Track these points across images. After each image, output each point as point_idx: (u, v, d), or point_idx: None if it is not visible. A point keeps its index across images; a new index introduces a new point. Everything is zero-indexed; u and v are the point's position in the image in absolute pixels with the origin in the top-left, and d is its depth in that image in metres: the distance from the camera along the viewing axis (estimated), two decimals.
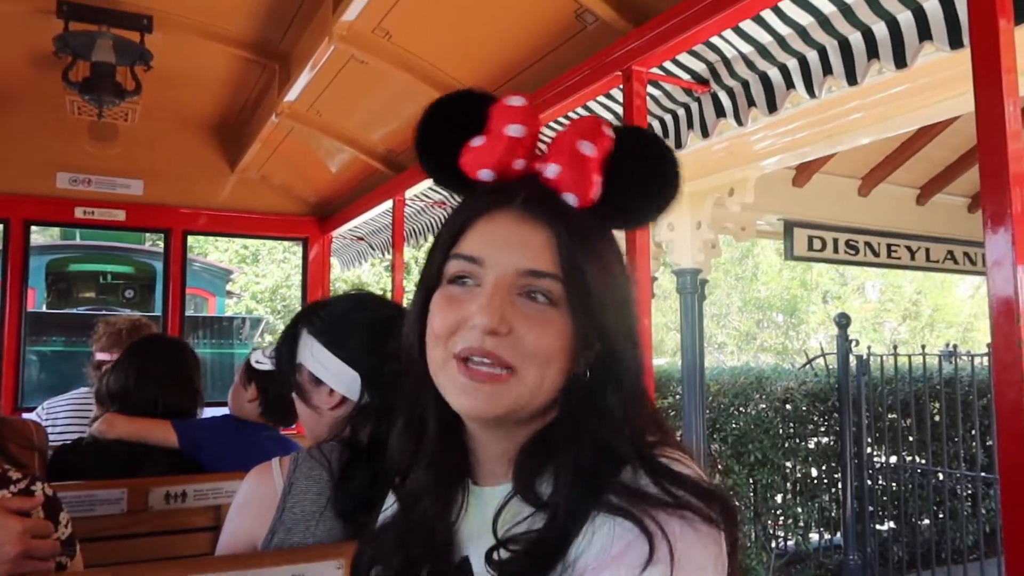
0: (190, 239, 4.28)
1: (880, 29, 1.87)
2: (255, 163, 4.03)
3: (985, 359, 5.80)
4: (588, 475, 0.71)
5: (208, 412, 2.61)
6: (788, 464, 6.04)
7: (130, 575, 1.43)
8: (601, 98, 2.50)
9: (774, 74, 2.17)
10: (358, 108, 3.37)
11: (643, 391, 0.81)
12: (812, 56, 2.05)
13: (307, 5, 2.68)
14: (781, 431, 6.01)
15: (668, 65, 2.27)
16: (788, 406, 6.06)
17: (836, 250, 5.60)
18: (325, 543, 1.29)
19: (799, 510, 5.99)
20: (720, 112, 2.33)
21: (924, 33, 1.77)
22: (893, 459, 5.97)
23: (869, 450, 5.99)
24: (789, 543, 6.06)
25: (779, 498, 6.02)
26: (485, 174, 0.79)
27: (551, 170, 0.76)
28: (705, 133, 2.39)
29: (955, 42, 1.70)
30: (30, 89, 3.43)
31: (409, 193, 3.60)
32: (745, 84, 2.24)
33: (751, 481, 5.81)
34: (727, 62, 2.22)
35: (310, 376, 1.40)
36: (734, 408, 6.06)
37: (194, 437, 2.25)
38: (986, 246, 1.28)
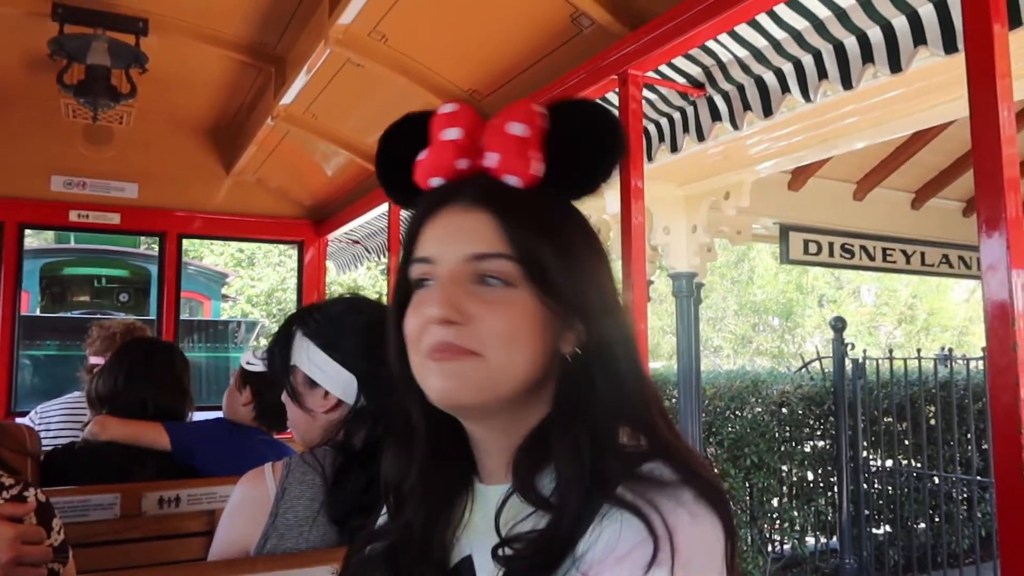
0: (185, 242, 4.27)
1: (875, 34, 1.87)
2: (251, 166, 4.02)
3: (980, 363, 5.82)
4: (589, 471, 0.70)
5: (204, 416, 2.61)
6: (784, 468, 6.05)
7: None
8: (597, 101, 2.50)
9: (769, 78, 2.17)
10: (354, 111, 3.37)
11: (644, 381, 0.79)
12: (807, 60, 2.06)
13: (303, 8, 2.68)
14: (777, 435, 6.01)
15: (664, 69, 2.27)
16: (784, 410, 6.07)
17: (832, 254, 5.61)
18: (319, 548, 1.28)
19: (795, 514, 5.99)
20: (716, 116, 2.33)
21: (919, 38, 1.77)
22: (889, 463, 5.97)
23: (865, 454, 6.00)
24: (785, 547, 6.06)
25: (775, 502, 6.02)
26: (435, 182, 0.80)
27: (489, 159, 0.77)
28: (701, 137, 2.40)
29: (950, 47, 1.71)
30: (25, 92, 3.42)
31: None
32: (740, 88, 2.25)
33: (747, 485, 5.81)
34: (723, 66, 2.23)
35: (305, 378, 1.39)
36: (730, 412, 6.06)
37: (186, 439, 2.24)
38: (981, 250, 1.29)
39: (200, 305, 11.45)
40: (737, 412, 6.07)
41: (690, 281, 4.79)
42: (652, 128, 2.56)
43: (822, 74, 2.02)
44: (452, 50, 2.69)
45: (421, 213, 0.80)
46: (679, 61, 2.24)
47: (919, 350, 6.00)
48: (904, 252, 6.00)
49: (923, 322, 19.44)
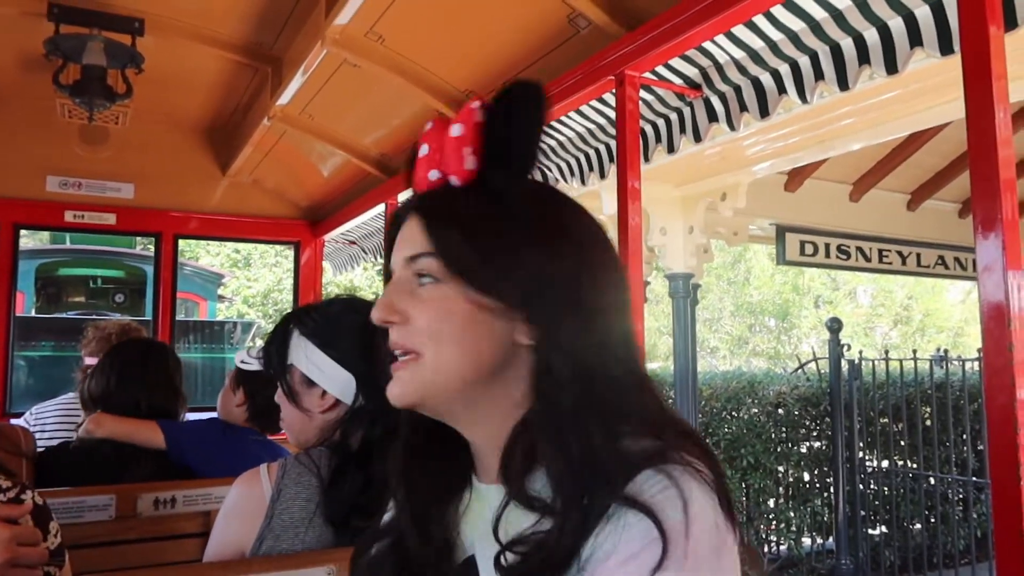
0: (181, 243, 4.26)
1: (871, 35, 1.88)
2: (247, 167, 4.01)
3: (975, 364, 5.83)
4: (580, 470, 0.69)
5: (199, 417, 2.60)
6: (780, 468, 6.05)
7: None
8: (594, 102, 2.51)
9: (766, 79, 2.17)
10: (351, 112, 3.37)
11: (621, 369, 0.75)
12: (804, 61, 2.06)
13: (300, 9, 2.67)
14: (773, 435, 6.02)
15: (661, 70, 2.27)
16: (780, 410, 6.08)
17: (828, 255, 5.62)
18: (314, 549, 1.28)
19: (791, 514, 6.00)
20: (713, 117, 2.33)
21: (915, 39, 1.77)
22: (885, 463, 5.99)
23: (861, 454, 6.01)
24: (782, 547, 6.07)
25: (771, 502, 6.02)
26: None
27: (432, 173, 0.80)
28: (698, 138, 2.40)
29: (946, 48, 1.71)
30: (20, 92, 3.41)
31: (402, 197, 3.58)
32: (737, 89, 2.25)
33: (744, 486, 5.81)
34: (719, 67, 2.23)
35: (302, 378, 1.39)
36: (727, 412, 6.07)
37: (180, 438, 2.24)
38: (977, 251, 1.29)
39: (196, 306, 11.43)
40: (733, 413, 6.08)
41: (687, 282, 4.79)
42: (649, 129, 2.56)
43: (819, 75, 2.02)
44: (449, 51, 2.69)
45: (391, 229, 0.84)
46: (676, 62, 2.24)
47: (915, 351, 6.02)
48: (900, 253, 6.02)
49: (919, 323, 19.49)
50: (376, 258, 4.82)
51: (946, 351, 6.80)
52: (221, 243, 16.19)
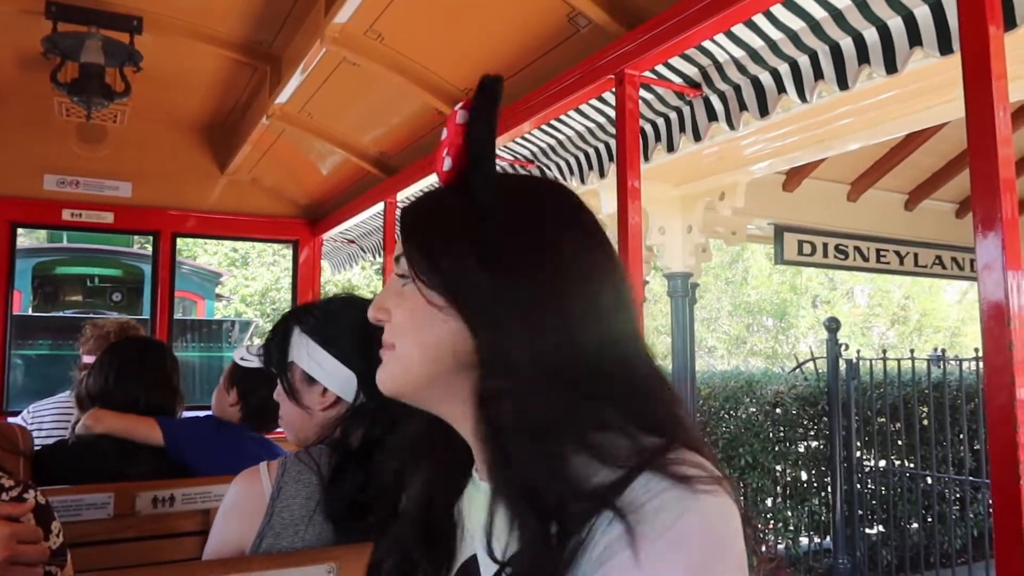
0: (179, 242, 4.25)
1: (871, 35, 1.88)
2: (245, 165, 4.01)
3: (972, 363, 5.85)
4: (528, 486, 0.67)
5: (195, 415, 2.60)
6: (778, 468, 6.06)
7: None
8: (593, 101, 2.51)
9: (766, 78, 2.17)
10: (350, 110, 3.36)
11: (602, 383, 0.71)
12: (803, 61, 2.06)
13: (299, 7, 2.67)
14: (771, 435, 6.03)
15: (660, 69, 2.27)
16: (778, 410, 6.08)
17: (826, 255, 5.63)
18: (315, 547, 1.28)
19: (789, 514, 6.00)
20: (712, 116, 2.33)
21: (914, 39, 1.77)
22: (882, 463, 5.99)
23: (858, 454, 6.02)
24: (779, 547, 6.07)
25: (769, 502, 6.03)
26: None
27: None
28: (697, 137, 2.40)
29: (945, 48, 1.71)
30: (18, 90, 3.41)
31: (401, 196, 3.59)
32: (737, 88, 2.25)
33: (741, 485, 5.82)
34: (719, 66, 2.23)
35: (303, 375, 1.39)
36: (724, 412, 6.07)
37: (178, 435, 2.24)
38: (977, 251, 1.29)
39: (194, 304, 11.43)
40: (731, 412, 6.09)
41: (685, 281, 4.80)
42: (648, 128, 2.56)
43: (818, 75, 2.02)
44: (448, 49, 2.69)
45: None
46: (676, 61, 2.24)
47: (912, 351, 6.03)
48: (897, 253, 6.03)
49: (916, 323, 19.52)
50: (375, 257, 4.81)
51: (943, 351, 6.82)
52: (219, 242, 16.17)
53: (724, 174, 4.48)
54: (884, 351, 6.01)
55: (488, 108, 0.78)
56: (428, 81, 2.77)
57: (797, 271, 17.52)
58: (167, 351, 2.55)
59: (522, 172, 3.08)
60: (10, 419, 3.12)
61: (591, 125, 2.74)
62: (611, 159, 2.77)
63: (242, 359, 2.19)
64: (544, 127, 2.76)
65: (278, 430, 2.28)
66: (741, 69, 2.18)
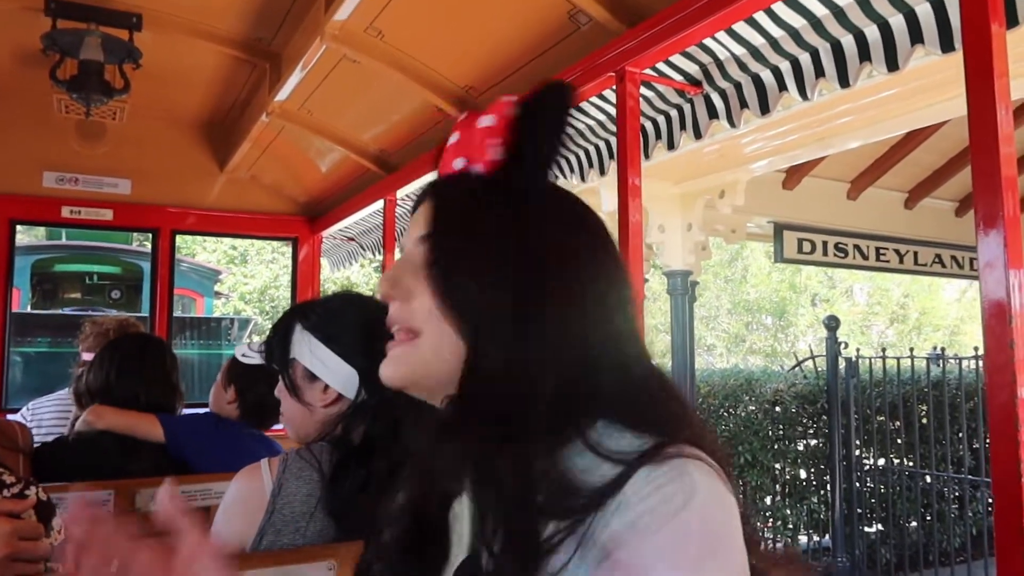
0: (178, 239, 4.25)
1: (872, 32, 1.88)
2: (245, 162, 4.00)
3: (972, 362, 5.85)
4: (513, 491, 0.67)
5: (194, 412, 2.60)
6: (777, 466, 6.06)
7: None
8: (594, 99, 2.50)
9: (767, 76, 2.17)
10: (350, 108, 3.36)
11: (615, 371, 0.73)
12: (804, 58, 2.06)
13: (299, 4, 2.67)
14: (770, 433, 6.03)
15: (661, 66, 2.27)
16: (777, 408, 6.08)
17: (826, 253, 5.63)
18: (316, 544, 1.28)
19: (788, 512, 6.01)
20: (713, 113, 2.33)
21: (916, 36, 1.78)
22: (881, 461, 6.00)
23: (858, 452, 6.02)
24: (778, 545, 6.08)
25: (768, 500, 6.03)
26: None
27: (457, 162, 0.80)
28: (698, 134, 2.40)
29: (946, 46, 1.71)
30: (17, 87, 3.40)
31: (400, 193, 3.59)
32: (738, 86, 2.25)
33: (740, 483, 5.82)
34: (720, 64, 2.23)
35: (305, 372, 1.38)
36: (724, 410, 6.07)
37: (178, 432, 2.24)
38: (978, 249, 1.29)
39: (193, 302, 11.42)
40: (731, 410, 6.09)
41: (685, 279, 4.80)
42: (649, 126, 2.56)
43: (819, 72, 2.02)
44: (449, 46, 2.68)
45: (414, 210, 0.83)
46: (677, 59, 2.24)
47: (912, 349, 6.03)
48: (897, 251, 6.03)
49: (915, 321, 19.54)
50: (375, 254, 4.81)
51: (942, 349, 6.82)
52: (218, 239, 16.16)
53: (724, 172, 4.48)
54: (883, 349, 6.02)
55: (559, 112, 0.78)
56: (428, 78, 2.77)
57: (796, 269, 17.53)
58: (166, 348, 2.55)
59: None
60: (9, 416, 3.12)
61: (592, 123, 2.74)
62: (611, 157, 2.77)
63: (243, 356, 2.19)
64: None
65: (277, 427, 2.28)
66: (742, 67, 2.18)
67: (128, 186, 3.94)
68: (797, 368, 6.62)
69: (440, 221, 0.76)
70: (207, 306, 11.89)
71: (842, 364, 5.99)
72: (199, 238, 15.52)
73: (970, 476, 5.52)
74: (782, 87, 2.13)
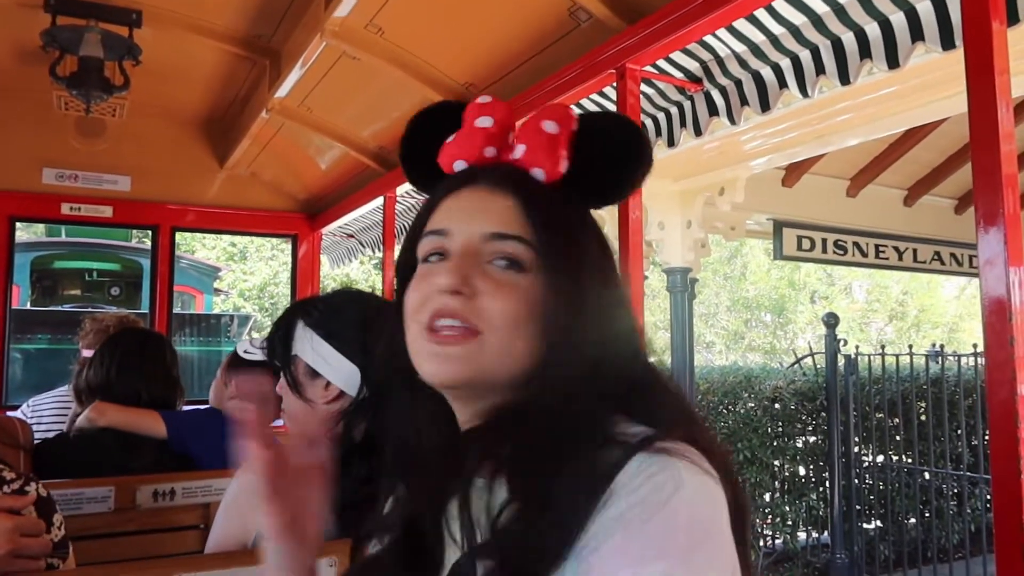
0: (178, 236, 4.25)
1: (873, 29, 1.88)
2: (244, 159, 4.00)
3: (971, 359, 5.85)
4: (577, 468, 0.68)
5: (194, 408, 2.60)
6: (776, 463, 6.07)
7: (120, 572, 1.41)
8: (594, 96, 2.50)
9: (767, 73, 2.17)
10: (350, 105, 3.36)
11: (647, 374, 0.78)
12: (805, 56, 2.06)
13: (298, 1, 2.66)
14: (770, 430, 6.04)
15: (661, 63, 2.27)
16: (777, 405, 6.09)
17: (825, 250, 5.63)
18: None
19: (787, 509, 6.02)
20: (713, 111, 2.33)
21: (916, 34, 1.78)
22: (880, 458, 6.01)
23: (857, 449, 6.03)
24: (777, 541, 6.09)
25: (767, 497, 6.04)
26: (459, 165, 0.81)
27: (518, 150, 0.79)
28: (698, 131, 2.40)
29: (947, 43, 1.71)
30: (16, 84, 3.39)
31: (400, 190, 3.59)
32: (738, 83, 2.25)
33: (740, 480, 5.83)
34: (720, 61, 2.23)
35: (306, 369, 1.38)
36: (723, 407, 6.08)
37: (181, 428, 2.24)
38: (979, 246, 1.29)
39: (192, 299, 11.41)
40: (730, 407, 6.09)
41: (684, 276, 4.80)
42: (649, 123, 2.56)
43: (819, 70, 2.02)
44: (449, 43, 2.68)
45: (441, 191, 0.80)
46: (677, 56, 2.24)
47: (911, 346, 6.03)
48: (896, 249, 6.03)
49: (914, 319, 19.55)
50: (374, 251, 4.81)
51: (941, 346, 6.83)
52: (217, 236, 16.14)
53: (724, 169, 4.48)
54: (882, 347, 6.02)
55: (621, 146, 0.82)
56: (428, 75, 2.76)
57: (795, 267, 17.53)
58: (167, 343, 2.55)
59: None
60: (9, 413, 3.12)
61: None
62: None
63: (245, 352, 2.19)
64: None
65: (277, 423, 2.28)
66: (742, 64, 2.18)
67: (128, 183, 3.94)
68: (796, 365, 6.63)
69: (538, 223, 0.75)
70: (207, 303, 11.88)
71: (841, 361, 6.00)
72: (198, 235, 15.50)
73: (969, 473, 5.53)
74: (783, 84, 2.13)
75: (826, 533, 6.10)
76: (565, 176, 0.79)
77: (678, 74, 2.33)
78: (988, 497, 5.59)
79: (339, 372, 1.35)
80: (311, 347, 1.37)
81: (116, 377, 2.28)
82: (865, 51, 1.90)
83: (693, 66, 2.29)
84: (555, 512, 0.67)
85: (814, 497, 6.14)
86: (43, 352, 7.85)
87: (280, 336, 1.41)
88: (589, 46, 2.18)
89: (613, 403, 0.74)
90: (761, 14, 1.98)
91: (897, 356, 5.81)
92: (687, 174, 4.64)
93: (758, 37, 2.08)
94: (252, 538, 1.27)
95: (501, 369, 0.73)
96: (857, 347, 6.14)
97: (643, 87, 2.31)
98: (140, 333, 2.65)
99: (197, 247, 16.99)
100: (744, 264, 18.95)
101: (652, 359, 0.83)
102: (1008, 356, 1.22)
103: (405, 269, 0.81)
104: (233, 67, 3.30)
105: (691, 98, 2.40)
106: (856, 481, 5.96)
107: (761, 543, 6.00)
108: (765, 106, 2.18)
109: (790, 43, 2.05)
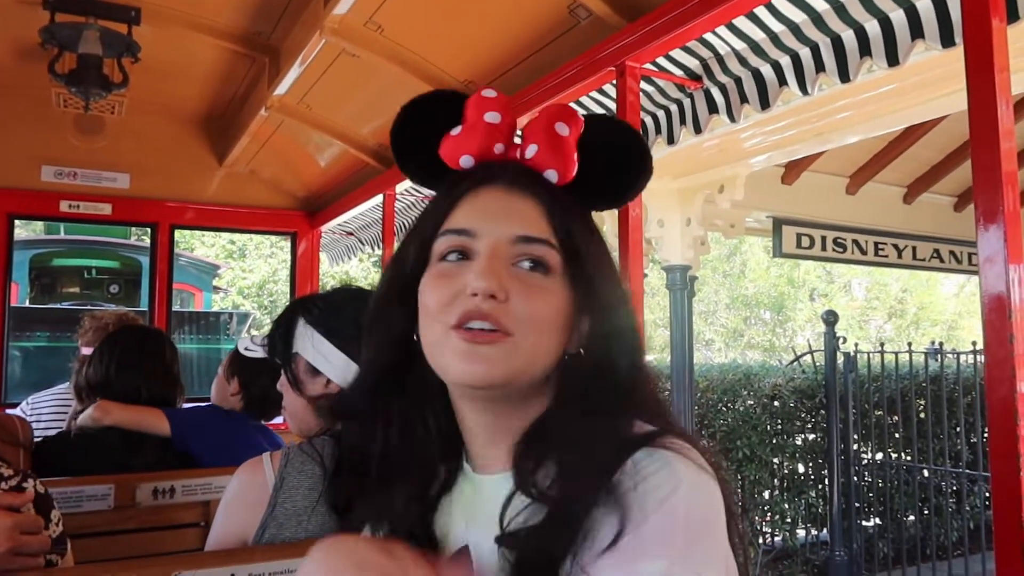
0: (176, 234, 4.24)
1: (873, 27, 1.88)
2: (244, 157, 4.00)
3: (970, 357, 5.86)
4: (595, 464, 0.70)
5: (195, 406, 2.60)
6: (776, 460, 6.08)
7: (120, 570, 1.41)
8: (594, 93, 2.50)
9: (767, 71, 2.17)
10: (349, 102, 3.35)
11: (647, 373, 0.81)
12: (805, 53, 2.06)
13: None
14: (769, 427, 6.05)
15: (661, 61, 2.27)
16: (776, 403, 6.10)
17: (824, 248, 5.63)
18: (317, 538, 1.28)
19: (786, 506, 6.03)
20: (713, 108, 2.33)
21: (916, 31, 1.78)
22: (879, 456, 6.01)
23: (856, 447, 6.04)
24: (776, 539, 6.10)
25: (766, 494, 6.05)
26: (466, 160, 0.81)
27: (530, 150, 0.80)
28: (698, 129, 2.39)
29: (947, 40, 1.71)
30: (15, 81, 3.39)
31: (400, 188, 3.59)
32: (738, 80, 2.25)
33: (739, 477, 5.84)
34: (720, 58, 2.23)
35: (307, 366, 1.39)
36: (722, 405, 6.09)
37: (184, 425, 2.24)
38: (978, 243, 1.29)
39: (191, 297, 11.41)
40: (729, 405, 6.10)
41: (683, 274, 4.80)
42: (649, 120, 2.56)
43: (819, 67, 2.02)
44: (448, 40, 2.68)
45: (458, 189, 0.80)
46: (677, 53, 2.24)
47: (910, 344, 6.04)
48: (896, 246, 6.03)
49: (913, 316, 19.56)
50: (373, 249, 4.81)
51: (941, 344, 6.83)
52: (216, 234, 16.13)
53: (723, 167, 4.47)
54: (882, 344, 6.03)
55: (622, 151, 0.84)
56: (428, 73, 2.76)
57: (795, 264, 17.54)
58: (166, 339, 2.54)
59: None
60: (8, 410, 3.12)
61: None
62: None
63: (246, 349, 2.19)
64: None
65: (277, 420, 2.29)
66: (742, 61, 2.18)
67: (127, 180, 3.93)
68: (795, 363, 6.63)
69: (560, 227, 0.77)
70: (206, 301, 11.88)
71: (840, 359, 6.00)
72: (197, 232, 15.48)
73: (968, 470, 5.54)
74: (782, 82, 2.13)
75: (825, 530, 6.11)
76: (582, 173, 0.81)
77: (678, 72, 2.33)
78: (987, 494, 5.60)
79: (339, 369, 1.35)
80: (312, 345, 1.37)
81: (115, 374, 2.28)
82: (865, 49, 1.90)
83: (693, 64, 2.29)
84: (560, 505, 0.69)
85: (813, 495, 6.15)
86: (42, 350, 7.84)
87: (281, 333, 1.41)
88: (589, 43, 2.17)
89: (626, 401, 0.76)
90: (761, 12, 1.98)
91: (896, 354, 5.81)
92: (687, 172, 4.64)
93: (758, 35, 2.08)
94: (252, 536, 1.28)
95: (528, 371, 0.74)
96: (856, 345, 6.15)
97: (643, 85, 2.31)
98: (139, 330, 2.64)
99: (196, 245, 16.97)
100: (743, 262, 18.95)
101: (649, 357, 0.85)
102: (1007, 353, 1.22)
103: (412, 265, 0.80)
104: (232, 64, 3.29)
105: (691, 96, 2.40)
106: (855, 479, 5.97)
107: (760, 540, 6.00)
108: (765, 104, 2.18)
109: (790, 41, 2.05)
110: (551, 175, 0.79)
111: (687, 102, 2.42)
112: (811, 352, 6.50)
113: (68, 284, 10.64)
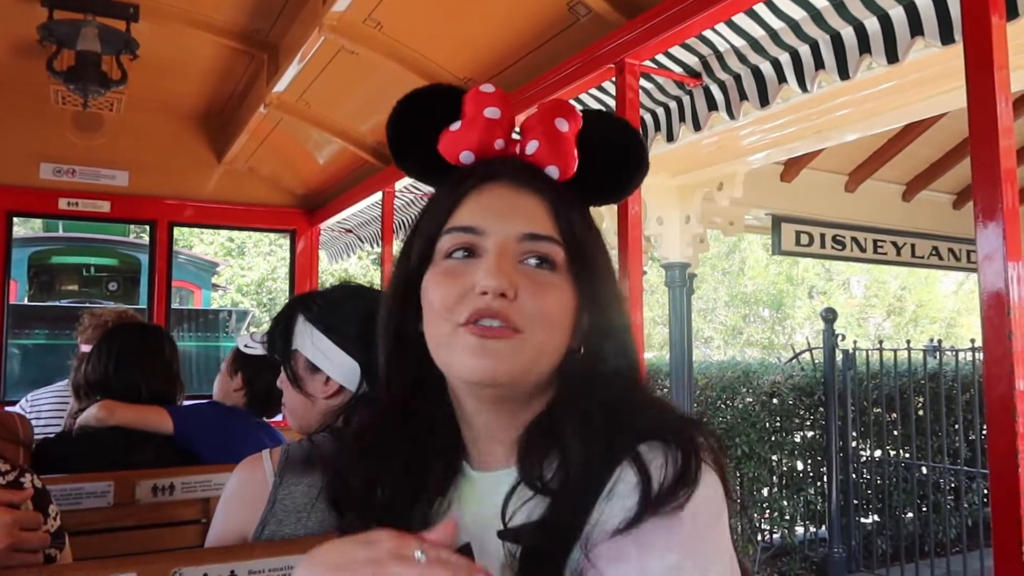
0: (176, 231, 4.24)
1: (872, 24, 1.87)
2: (243, 154, 3.99)
3: (968, 354, 5.86)
4: (599, 456, 0.71)
5: (196, 403, 2.60)
6: (774, 458, 6.09)
7: (119, 567, 1.41)
8: (593, 91, 2.50)
9: (766, 68, 2.17)
10: (348, 99, 3.35)
11: (644, 368, 0.83)
12: (804, 50, 2.06)
13: None
14: (767, 425, 6.05)
15: (661, 58, 2.27)
16: (775, 400, 6.10)
17: (823, 245, 5.64)
18: (316, 535, 1.28)
19: (785, 503, 6.03)
20: (712, 105, 2.33)
21: (916, 28, 1.77)
22: (878, 453, 6.02)
23: (854, 444, 6.05)
24: (775, 536, 6.11)
25: (765, 491, 6.06)
26: (466, 156, 0.81)
27: (531, 146, 0.80)
28: (697, 126, 2.39)
29: (946, 37, 1.71)
30: (13, 78, 3.38)
31: (399, 185, 3.59)
32: (737, 78, 2.25)
33: (738, 474, 5.85)
34: (719, 56, 2.23)
35: (306, 363, 1.39)
36: (721, 402, 6.10)
37: (187, 423, 2.24)
38: (977, 240, 1.29)
39: (190, 294, 11.40)
40: (728, 402, 6.11)
41: (683, 271, 4.80)
42: (648, 118, 2.56)
43: (819, 64, 2.02)
44: (447, 37, 2.67)
45: (461, 186, 0.79)
46: (676, 50, 2.24)
47: (908, 341, 6.05)
48: (895, 244, 6.04)
49: (912, 314, 19.58)
50: (373, 246, 4.80)
51: (939, 341, 6.84)
52: (215, 231, 16.12)
53: (722, 164, 4.48)
54: (880, 341, 6.04)
55: (620, 148, 0.84)
56: (427, 70, 2.76)
57: (793, 262, 17.55)
58: (165, 336, 2.52)
59: None
60: (7, 408, 3.12)
61: None
62: None
63: (246, 346, 2.19)
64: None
65: (277, 417, 2.29)
66: (742, 58, 2.18)
67: (125, 178, 3.93)
68: (794, 360, 6.64)
69: (565, 224, 0.77)
70: (205, 298, 11.87)
71: (839, 356, 6.01)
72: (196, 230, 15.48)
73: (966, 467, 5.55)
74: (782, 79, 2.13)
75: (824, 527, 6.12)
76: (581, 170, 0.81)
77: (677, 69, 2.33)
78: (985, 491, 5.62)
79: (339, 367, 1.35)
80: (311, 342, 1.37)
81: (114, 372, 2.27)
82: (864, 46, 1.90)
83: (692, 61, 2.29)
84: (565, 498, 0.70)
85: (812, 492, 6.15)
86: (41, 347, 7.83)
87: (280, 331, 1.41)
88: (588, 41, 2.17)
89: (628, 395, 0.76)
90: (760, 9, 1.98)
91: (895, 351, 5.82)
92: (686, 169, 4.64)
93: (757, 32, 2.08)
94: (252, 532, 1.28)
95: (535, 368, 0.75)
96: (855, 342, 6.15)
97: (642, 82, 2.31)
98: (138, 327, 2.63)
99: (195, 242, 16.96)
100: (742, 259, 18.96)
101: (647, 354, 0.86)
102: (1006, 351, 1.23)
103: (415, 262, 0.80)
104: (231, 62, 3.29)
105: (690, 93, 2.39)
106: (854, 476, 5.98)
107: (759, 537, 6.01)
108: (764, 101, 2.18)
109: (789, 38, 2.05)
110: (552, 171, 0.79)
111: (686, 99, 2.42)
112: (810, 349, 6.50)
113: (67, 282, 10.62)
